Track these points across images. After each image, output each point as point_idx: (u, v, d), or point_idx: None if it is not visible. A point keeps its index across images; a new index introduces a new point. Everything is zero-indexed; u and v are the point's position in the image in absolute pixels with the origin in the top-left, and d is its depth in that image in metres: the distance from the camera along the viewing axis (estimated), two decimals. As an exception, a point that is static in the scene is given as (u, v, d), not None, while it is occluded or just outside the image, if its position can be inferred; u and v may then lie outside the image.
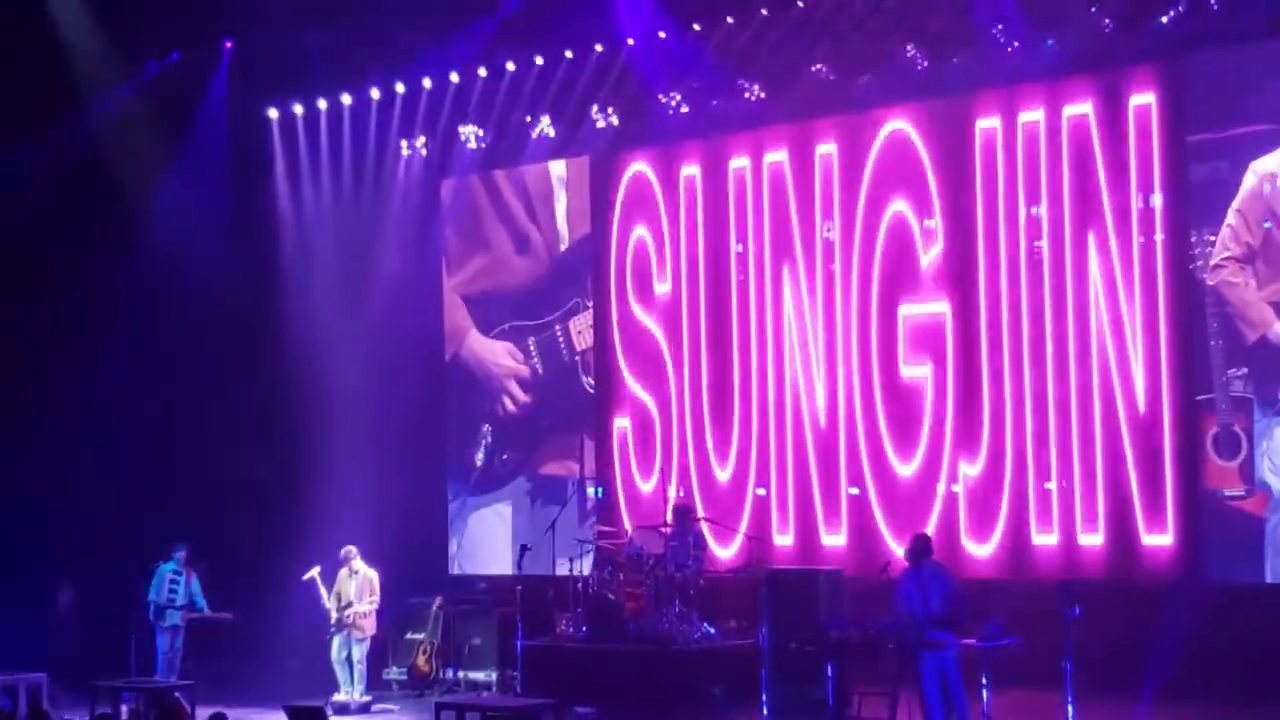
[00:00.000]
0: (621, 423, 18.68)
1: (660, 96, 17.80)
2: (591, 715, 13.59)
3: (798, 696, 13.46)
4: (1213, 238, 15.09)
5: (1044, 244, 15.95)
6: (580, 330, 19.03)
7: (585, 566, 16.56)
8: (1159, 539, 15.30)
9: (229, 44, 18.85)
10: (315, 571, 16.29)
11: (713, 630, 15.36)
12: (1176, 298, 15.30)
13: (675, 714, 14.23)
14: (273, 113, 19.64)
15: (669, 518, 16.15)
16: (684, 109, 17.81)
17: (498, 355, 19.67)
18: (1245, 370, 14.97)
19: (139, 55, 18.71)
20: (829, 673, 12.83)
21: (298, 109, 19.51)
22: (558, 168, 19.19)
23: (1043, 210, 15.97)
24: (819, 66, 16.82)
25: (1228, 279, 15.05)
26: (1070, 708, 12.05)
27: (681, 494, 17.59)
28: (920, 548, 12.89)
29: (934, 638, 12.41)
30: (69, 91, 18.17)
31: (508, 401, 19.58)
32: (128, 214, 18.83)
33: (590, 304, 18.94)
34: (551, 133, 18.65)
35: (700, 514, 16.98)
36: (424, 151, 19.56)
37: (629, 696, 14.55)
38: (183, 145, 19.04)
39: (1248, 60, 15.01)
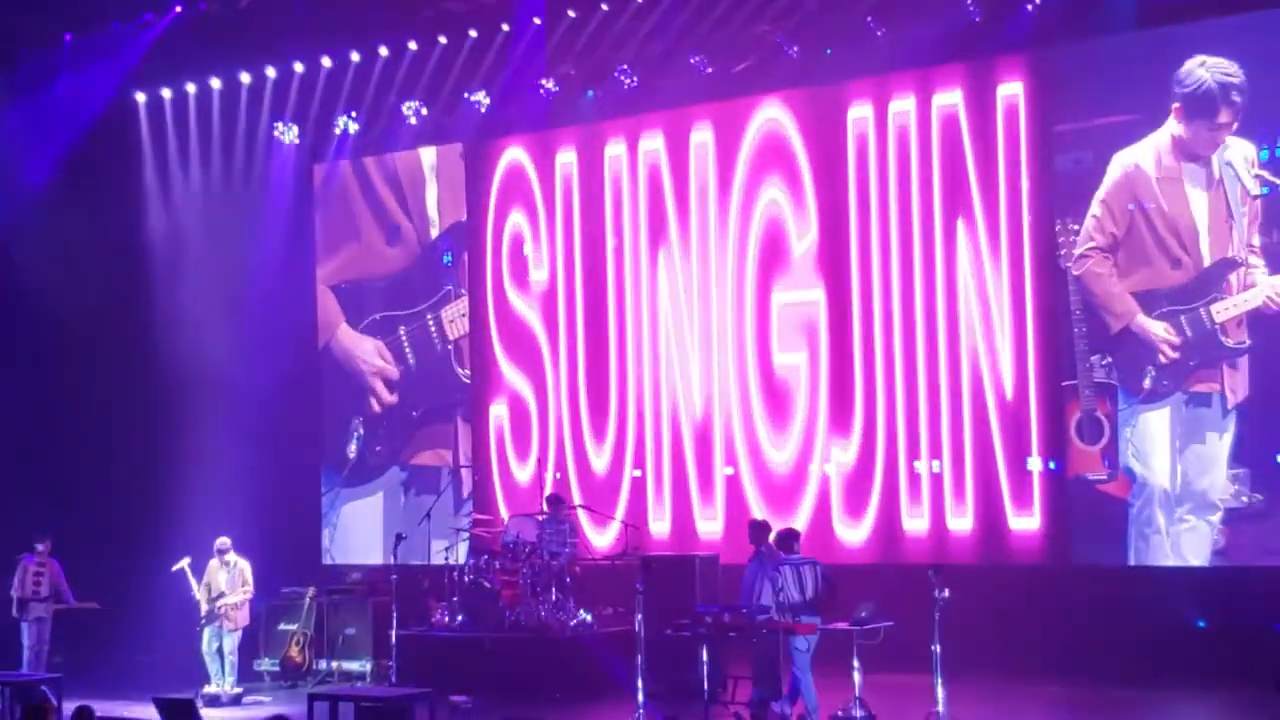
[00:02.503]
0: (498, 410, 18.62)
1: (539, 82, 17.73)
2: (467, 704, 13.49)
3: (673, 682, 13.49)
4: (1076, 227, 15.37)
5: (915, 231, 16.15)
6: (453, 319, 18.91)
7: (461, 555, 16.50)
8: (1026, 522, 15.58)
9: (95, 29, 18.43)
10: (185, 562, 16.05)
11: (589, 617, 15.37)
12: (1043, 285, 15.57)
13: (551, 701, 14.21)
14: (140, 97, 19.28)
15: (544, 505, 16.14)
16: (560, 95, 17.78)
17: (366, 353, 19.50)
18: (1109, 359, 15.27)
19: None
20: (704, 658, 12.90)
21: (165, 93, 19.17)
22: (428, 155, 19.06)
23: (913, 197, 16.17)
24: (696, 55, 16.88)
25: (1093, 269, 15.33)
26: (940, 689, 12.20)
27: (558, 476, 17.61)
28: (793, 536, 13.15)
29: (806, 621, 12.60)
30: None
31: (373, 401, 19.43)
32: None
33: (463, 292, 18.84)
34: (424, 114, 18.49)
35: (576, 501, 17.00)
36: (295, 140, 19.31)
37: (505, 685, 14.51)
38: (46, 130, 18.60)
39: (1113, 51, 15.29)
